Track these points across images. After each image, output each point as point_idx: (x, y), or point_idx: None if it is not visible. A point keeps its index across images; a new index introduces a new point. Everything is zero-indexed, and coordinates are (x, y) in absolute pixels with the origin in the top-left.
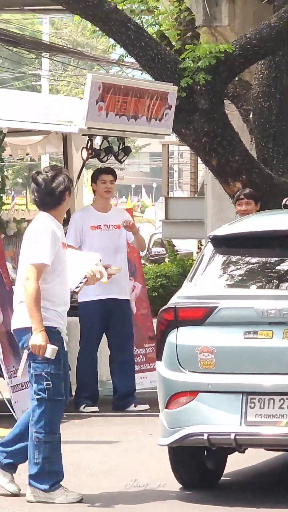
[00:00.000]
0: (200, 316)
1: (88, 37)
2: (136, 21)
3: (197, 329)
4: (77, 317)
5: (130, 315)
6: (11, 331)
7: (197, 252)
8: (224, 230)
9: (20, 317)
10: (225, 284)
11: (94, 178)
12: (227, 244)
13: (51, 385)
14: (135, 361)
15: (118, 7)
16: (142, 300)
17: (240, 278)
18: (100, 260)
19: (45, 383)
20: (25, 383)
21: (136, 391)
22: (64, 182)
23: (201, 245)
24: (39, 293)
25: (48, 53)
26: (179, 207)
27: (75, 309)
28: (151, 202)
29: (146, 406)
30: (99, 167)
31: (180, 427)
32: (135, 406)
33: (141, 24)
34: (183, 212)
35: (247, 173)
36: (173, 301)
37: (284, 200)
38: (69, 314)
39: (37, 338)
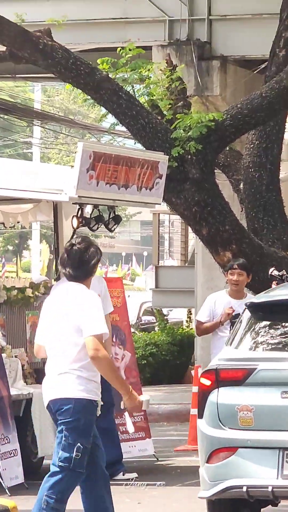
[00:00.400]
0: (240, 377)
1: (80, 105)
2: (128, 90)
3: (237, 389)
4: None
5: (109, 384)
6: (48, 400)
7: (187, 321)
8: (261, 298)
9: (61, 387)
10: (263, 347)
11: None
12: (263, 311)
13: (79, 457)
14: (124, 429)
15: (110, 76)
16: (132, 368)
17: (277, 341)
18: None
19: (74, 454)
20: (14, 451)
21: (125, 459)
22: (96, 254)
23: (191, 314)
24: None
25: (39, 121)
26: (169, 276)
27: None
28: (142, 271)
29: (134, 474)
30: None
31: (220, 480)
32: (123, 475)
33: (132, 93)
34: (173, 281)
35: (237, 243)
36: (214, 363)
37: (271, 270)
38: None
39: (132, 400)
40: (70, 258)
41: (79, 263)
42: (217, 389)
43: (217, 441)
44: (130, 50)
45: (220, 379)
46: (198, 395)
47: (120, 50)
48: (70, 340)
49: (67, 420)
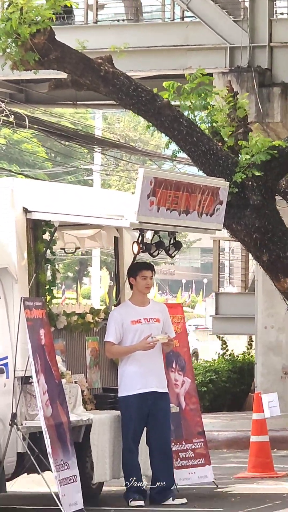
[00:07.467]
0: None
1: (140, 132)
2: (188, 117)
3: None
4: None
5: (168, 408)
6: None
7: (247, 348)
8: None
9: None
10: None
11: (133, 273)
12: None
13: None
14: (183, 456)
15: (172, 102)
16: (191, 395)
17: None
18: None
19: None
20: (73, 477)
21: (184, 486)
22: None
23: (252, 341)
24: None
25: (100, 148)
26: (230, 303)
27: (116, 403)
28: (202, 298)
29: (184, 500)
30: (137, 261)
31: None
32: (173, 500)
33: (193, 120)
34: (234, 308)
35: None
36: None
37: None
38: (110, 408)
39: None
40: None
41: None
42: None
43: None
44: (197, 77)
45: None
46: None
47: (189, 76)
48: None
49: None
